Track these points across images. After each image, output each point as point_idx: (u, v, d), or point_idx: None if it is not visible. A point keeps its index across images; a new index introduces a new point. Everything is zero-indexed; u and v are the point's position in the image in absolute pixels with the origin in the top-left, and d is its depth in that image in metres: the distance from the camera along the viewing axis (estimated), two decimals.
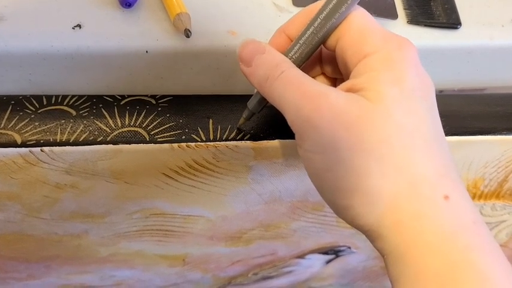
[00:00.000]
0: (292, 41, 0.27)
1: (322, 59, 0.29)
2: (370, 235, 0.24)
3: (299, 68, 0.26)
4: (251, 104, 0.30)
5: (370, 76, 0.24)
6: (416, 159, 0.23)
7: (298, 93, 0.24)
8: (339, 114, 0.23)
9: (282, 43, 0.28)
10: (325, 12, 0.25)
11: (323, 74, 0.30)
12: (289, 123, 0.25)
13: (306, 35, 0.26)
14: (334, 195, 0.25)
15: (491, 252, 0.22)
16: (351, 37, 0.25)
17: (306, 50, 0.27)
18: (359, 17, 0.25)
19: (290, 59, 0.27)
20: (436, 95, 0.25)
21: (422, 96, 0.24)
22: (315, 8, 0.26)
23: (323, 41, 0.26)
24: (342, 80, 0.27)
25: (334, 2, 0.25)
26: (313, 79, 0.25)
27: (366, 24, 0.25)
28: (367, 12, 0.26)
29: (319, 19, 0.26)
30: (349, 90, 0.24)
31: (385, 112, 0.23)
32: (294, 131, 0.25)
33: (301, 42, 0.26)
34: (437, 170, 0.23)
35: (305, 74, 0.25)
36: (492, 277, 0.21)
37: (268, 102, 0.27)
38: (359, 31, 0.25)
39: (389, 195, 0.23)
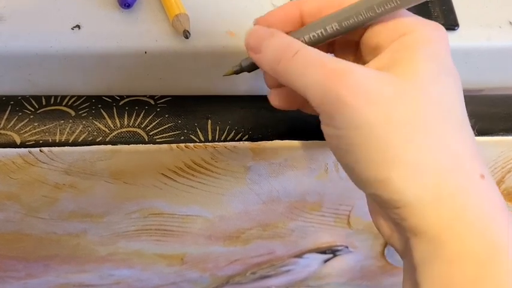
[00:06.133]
0: (303, 20, 0.26)
1: (335, 44, 0.28)
2: (402, 212, 0.23)
3: None
4: (245, 62, 0.28)
5: (406, 53, 0.23)
6: (454, 136, 0.23)
7: (323, 72, 0.23)
8: (371, 92, 0.22)
9: (291, 17, 0.26)
10: (360, 17, 0.24)
11: None
12: (314, 103, 0.24)
13: (327, 28, 0.25)
14: (368, 169, 0.23)
15: None
16: (385, 21, 0.24)
17: (320, 39, 0.25)
18: None
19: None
20: None
21: (456, 76, 0.24)
22: None
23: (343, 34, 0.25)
24: None
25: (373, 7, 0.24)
26: (334, 57, 0.24)
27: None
28: None
29: (352, 19, 0.24)
30: (381, 68, 0.24)
31: (422, 88, 0.23)
32: (318, 111, 0.24)
33: (318, 32, 0.25)
34: (471, 149, 0.23)
35: (322, 51, 0.24)
36: None
37: None
38: (393, 15, 0.24)
39: (433, 169, 0.22)
